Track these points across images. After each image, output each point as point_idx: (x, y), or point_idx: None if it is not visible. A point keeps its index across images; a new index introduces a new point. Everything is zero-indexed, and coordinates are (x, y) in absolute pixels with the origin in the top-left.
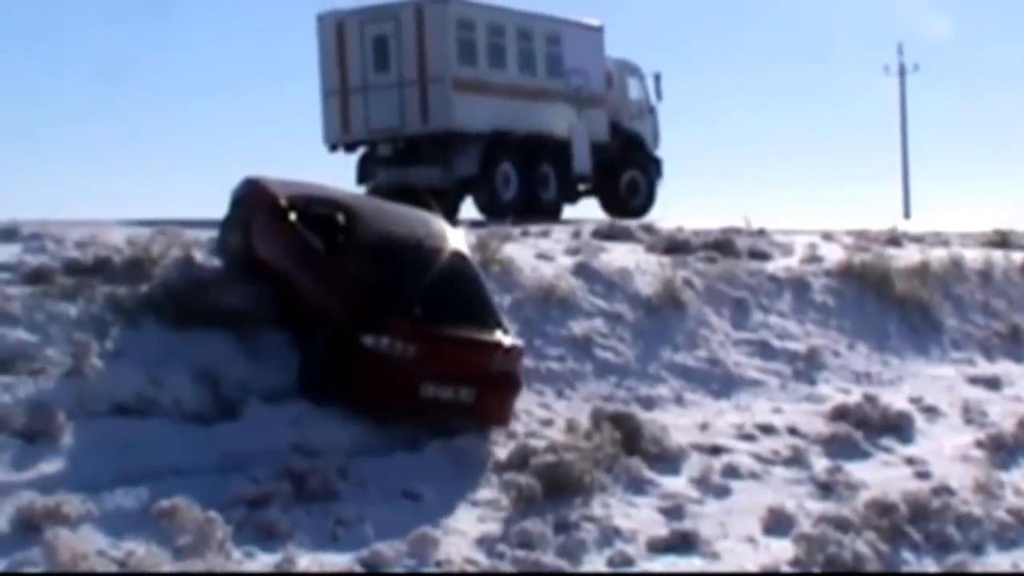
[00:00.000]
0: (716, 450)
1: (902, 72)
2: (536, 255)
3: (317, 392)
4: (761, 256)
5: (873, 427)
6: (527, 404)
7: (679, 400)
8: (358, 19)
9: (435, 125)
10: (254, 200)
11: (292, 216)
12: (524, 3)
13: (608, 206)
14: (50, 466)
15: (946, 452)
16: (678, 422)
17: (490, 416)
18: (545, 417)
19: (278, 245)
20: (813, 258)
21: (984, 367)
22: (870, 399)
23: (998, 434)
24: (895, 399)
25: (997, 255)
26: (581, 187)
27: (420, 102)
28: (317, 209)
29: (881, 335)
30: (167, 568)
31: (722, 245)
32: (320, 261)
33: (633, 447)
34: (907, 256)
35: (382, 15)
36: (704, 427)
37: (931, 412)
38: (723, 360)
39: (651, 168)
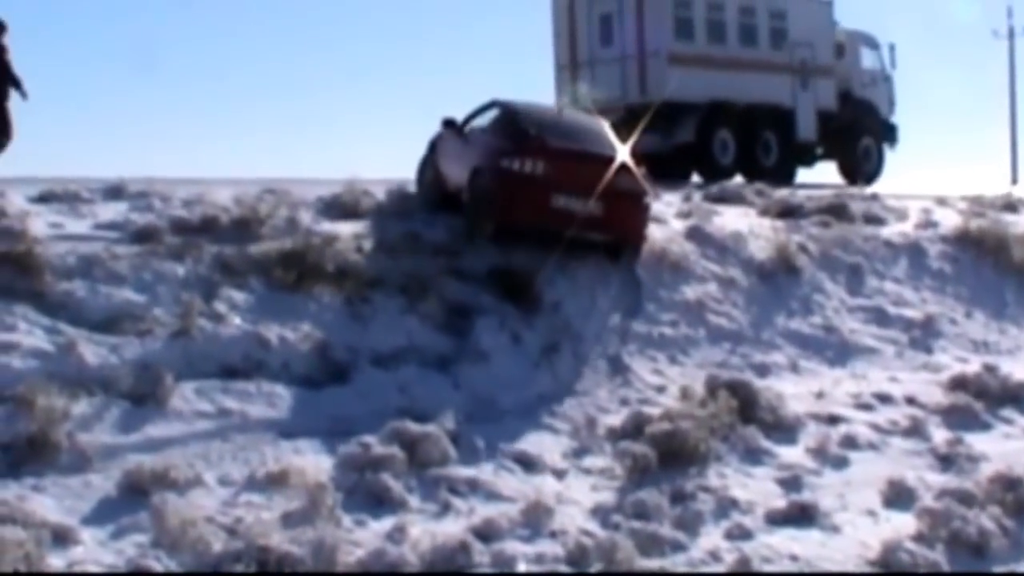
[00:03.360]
0: (833, 419)
1: (1011, 35)
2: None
3: (477, 218)
4: (876, 221)
5: (993, 397)
6: (640, 370)
7: (794, 368)
8: None
9: (652, 96)
10: (440, 134)
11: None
12: None
13: (844, 171)
14: (157, 429)
15: None
16: (794, 390)
17: (620, 229)
18: (659, 384)
19: (456, 154)
20: (928, 223)
21: None
22: (989, 368)
23: None
24: (1015, 369)
25: None
26: (817, 151)
27: (639, 75)
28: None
29: (999, 303)
30: (276, 538)
31: (836, 209)
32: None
33: (749, 415)
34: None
35: None
36: (820, 396)
37: None
38: (838, 327)
39: (884, 135)
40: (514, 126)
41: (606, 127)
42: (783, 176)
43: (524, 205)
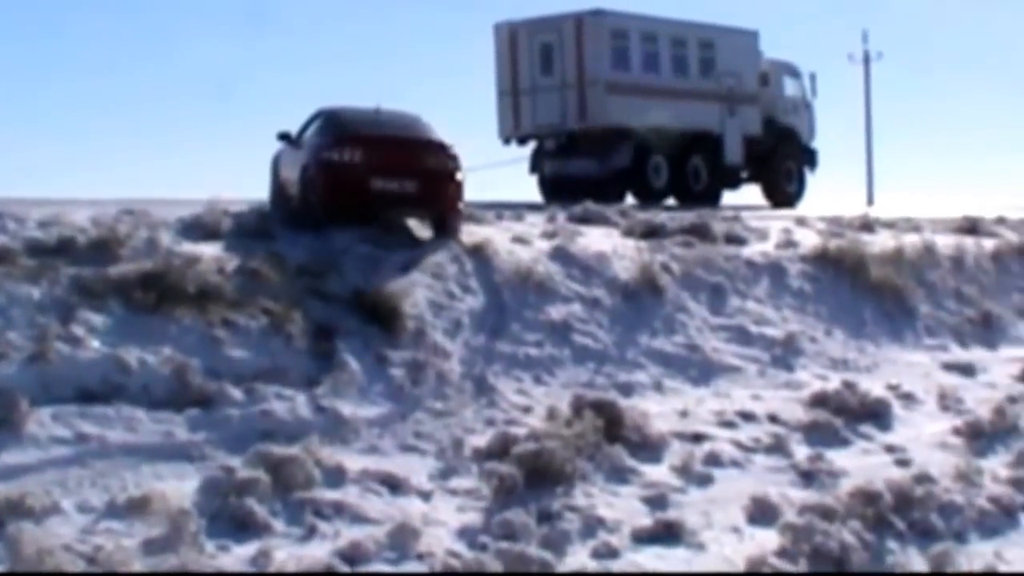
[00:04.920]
0: (697, 437)
1: (866, 60)
2: (512, 238)
3: (305, 207)
4: (737, 241)
5: (852, 414)
6: (505, 390)
7: (658, 387)
8: (527, 29)
9: (591, 122)
10: (280, 148)
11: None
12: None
13: (769, 193)
14: (12, 456)
15: (924, 439)
16: (658, 409)
17: (435, 205)
18: (524, 404)
19: (291, 162)
20: (788, 243)
21: (958, 353)
22: (848, 386)
23: (975, 421)
24: (873, 386)
25: (968, 241)
26: (742, 175)
27: (578, 102)
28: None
29: (857, 321)
30: (137, 565)
31: (698, 229)
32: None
33: (614, 435)
34: (881, 242)
35: (548, 26)
36: (684, 414)
37: (908, 399)
38: (701, 346)
39: (805, 159)
40: (334, 124)
41: (421, 119)
42: (710, 198)
43: (345, 189)
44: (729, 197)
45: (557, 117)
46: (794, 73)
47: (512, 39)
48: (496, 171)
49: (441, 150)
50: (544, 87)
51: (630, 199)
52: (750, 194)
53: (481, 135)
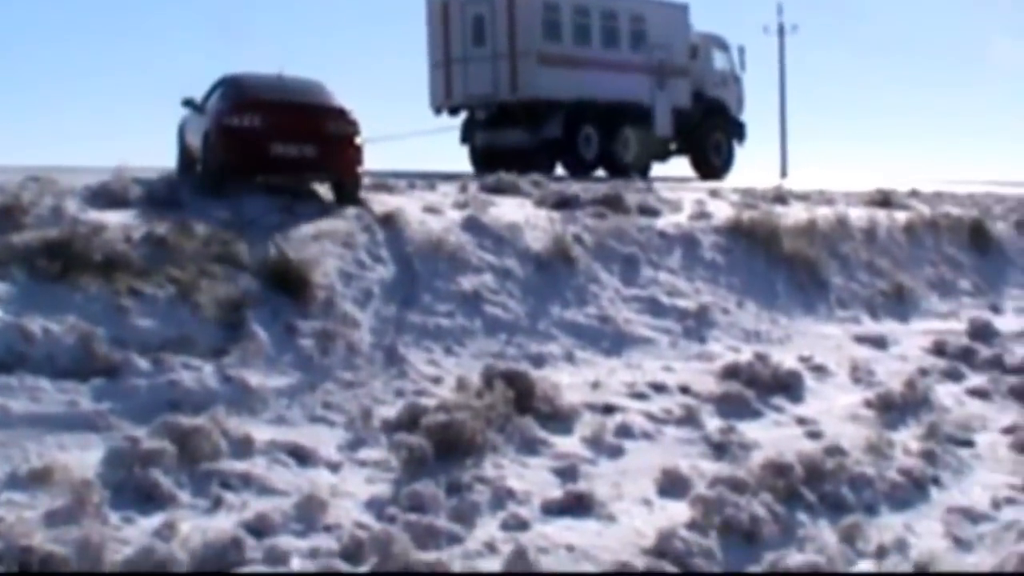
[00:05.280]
0: (608, 409)
1: (781, 32)
2: (424, 208)
3: (207, 172)
4: (650, 212)
5: (764, 386)
6: (416, 361)
7: (570, 358)
8: (460, 0)
9: (522, 93)
10: (185, 115)
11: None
12: None
13: (697, 165)
14: None
15: (836, 412)
16: (570, 380)
17: (335, 168)
18: (435, 375)
19: (195, 128)
20: (702, 215)
21: (870, 326)
22: (760, 358)
23: (886, 393)
24: (785, 358)
25: (881, 214)
26: (672, 147)
27: (510, 73)
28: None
29: (769, 293)
30: (39, 537)
31: (611, 200)
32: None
33: (525, 406)
34: (794, 214)
35: None
36: (596, 385)
37: (820, 371)
38: (613, 317)
39: (733, 131)
40: (236, 90)
41: (324, 85)
42: (640, 170)
43: (245, 153)
44: (658, 169)
45: (488, 88)
46: (723, 47)
47: (444, 10)
48: (429, 141)
49: (340, 115)
50: (476, 58)
51: (560, 170)
52: (679, 166)
53: (418, 104)
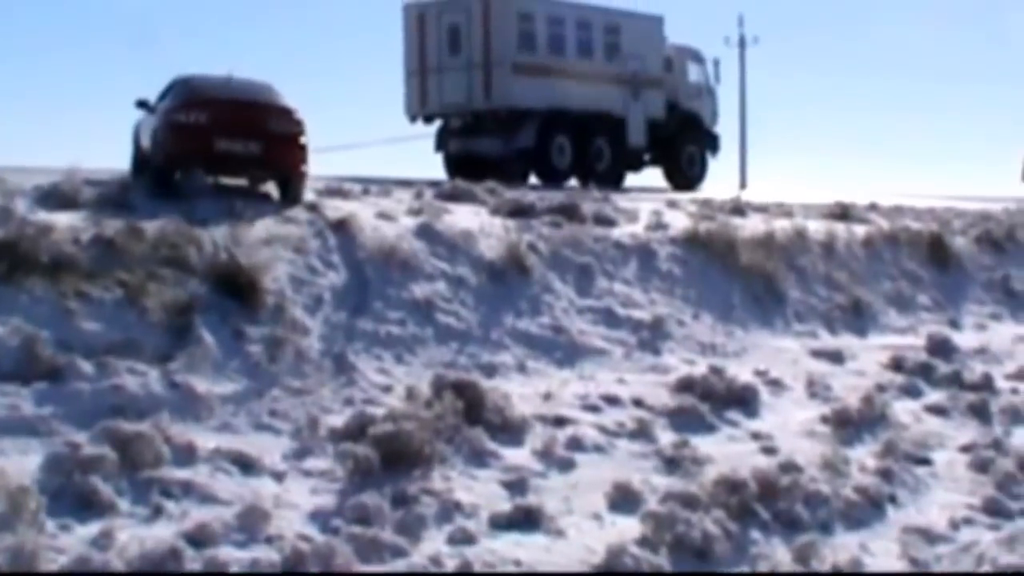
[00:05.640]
0: (560, 421)
1: (742, 43)
2: (377, 214)
3: (154, 167)
4: (606, 222)
5: (719, 400)
6: (365, 369)
7: (522, 368)
8: (436, 9)
9: (496, 102)
10: (140, 117)
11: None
12: None
13: (670, 176)
14: None
15: (792, 427)
16: (521, 391)
17: (278, 165)
18: (384, 383)
19: (147, 128)
20: (658, 225)
21: (827, 340)
22: (716, 371)
23: (843, 409)
24: (740, 371)
25: (839, 227)
26: (645, 158)
27: (484, 82)
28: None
29: (726, 305)
30: None
31: (567, 210)
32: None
33: (475, 417)
34: (751, 226)
35: (456, 6)
36: (548, 397)
37: (776, 385)
38: (567, 328)
39: (707, 143)
40: (185, 90)
41: (272, 86)
42: (613, 180)
43: (191, 148)
44: (631, 179)
45: (463, 96)
46: (698, 59)
47: (420, 19)
48: (401, 149)
49: (285, 114)
50: (451, 67)
51: (534, 179)
52: (652, 176)
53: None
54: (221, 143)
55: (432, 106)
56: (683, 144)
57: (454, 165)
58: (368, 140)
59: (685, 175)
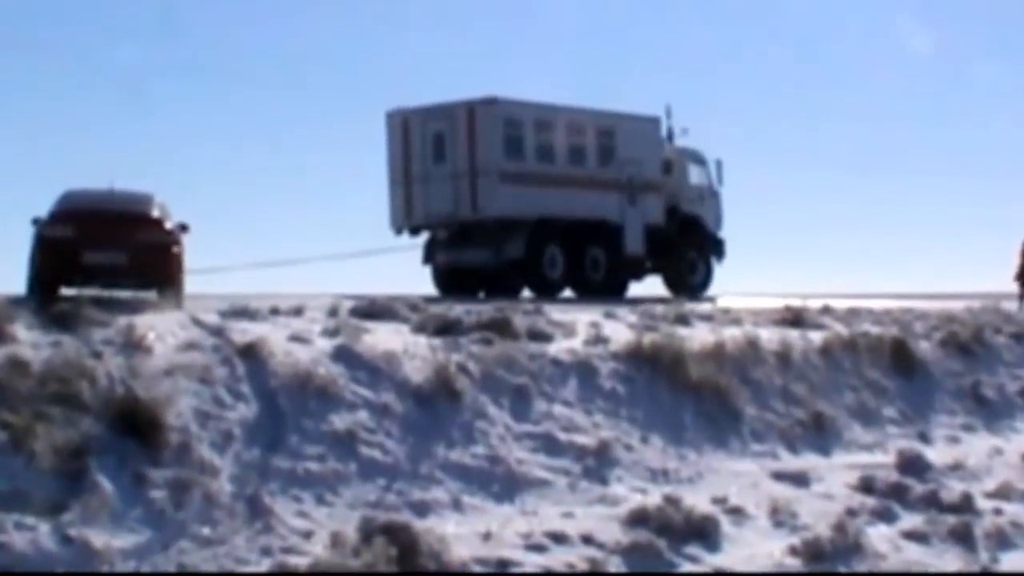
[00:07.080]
0: (503, 564)
1: (670, 137)
2: (289, 337)
3: (30, 285)
4: (541, 337)
5: (676, 534)
6: (283, 512)
7: (457, 505)
8: (420, 117)
9: (483, 213)
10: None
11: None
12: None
13: (671, 283)
14: None
15: (759, 561)
16: (458, 531)
17: (149, 276)
18: (305, 528)
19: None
20: (598, 339)
21: (788, 460)
22: (671, 501)
23: (813, 539)
24: (697, 500)
25: (793, 335)
26: (646, 265)
27: (470, 192)
28: None
29: (676, 426)
30: None
31: (498, 324)
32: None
33: (409, 563)
34: (699, 336)
35: (440, 113)
36: (487, 537)
37: (737, 514)
38: (504, 457)
39: (710, 248)
40: (61, 203)
41: (153, 197)
42: (613, 289)
43: (59, 262)
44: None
45: (449, 207)
46: (699, 161)
47: (404, 127)
48: (390, 261)
49: (153, 224)
50: (436, 176)
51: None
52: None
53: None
54: (88, 255)
55: (418, 217)
56: (684, 250)
57: (443, 278)
58: (347, 251)
59: (687, 282)
